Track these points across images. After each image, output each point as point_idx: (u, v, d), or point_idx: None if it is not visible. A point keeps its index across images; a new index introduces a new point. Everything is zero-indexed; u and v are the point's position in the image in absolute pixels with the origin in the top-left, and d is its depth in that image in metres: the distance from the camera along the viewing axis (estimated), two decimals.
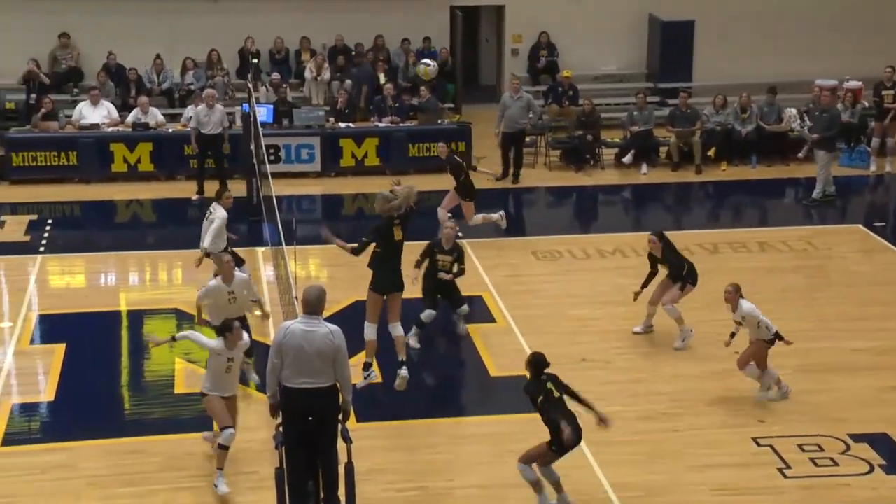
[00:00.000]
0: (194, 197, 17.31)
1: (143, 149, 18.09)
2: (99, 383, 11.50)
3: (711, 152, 19.16)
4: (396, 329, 11.05)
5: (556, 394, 9.08)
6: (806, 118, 19.05)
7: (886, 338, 12.46)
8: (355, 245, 11.06)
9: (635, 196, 18.15)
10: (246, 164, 16.84)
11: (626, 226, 16.66)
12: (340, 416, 8.67)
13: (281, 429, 8.61)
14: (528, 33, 22.15)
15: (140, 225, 17.09)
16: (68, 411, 10.89)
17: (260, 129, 16.34)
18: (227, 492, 9.30)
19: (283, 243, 13.27)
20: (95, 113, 18.39)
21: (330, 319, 8.77)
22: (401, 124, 19.10)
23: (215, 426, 9.69)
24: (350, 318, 11.50)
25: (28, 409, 10.89)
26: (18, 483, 9.54)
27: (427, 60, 15.85)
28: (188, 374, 11.66)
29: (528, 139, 18.97)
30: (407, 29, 21.62)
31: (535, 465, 9.11)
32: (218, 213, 12.55)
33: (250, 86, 17.35)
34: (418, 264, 12.34)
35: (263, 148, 16.29)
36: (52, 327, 12.73)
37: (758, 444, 10.27)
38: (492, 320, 13.02)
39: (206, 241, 12.42)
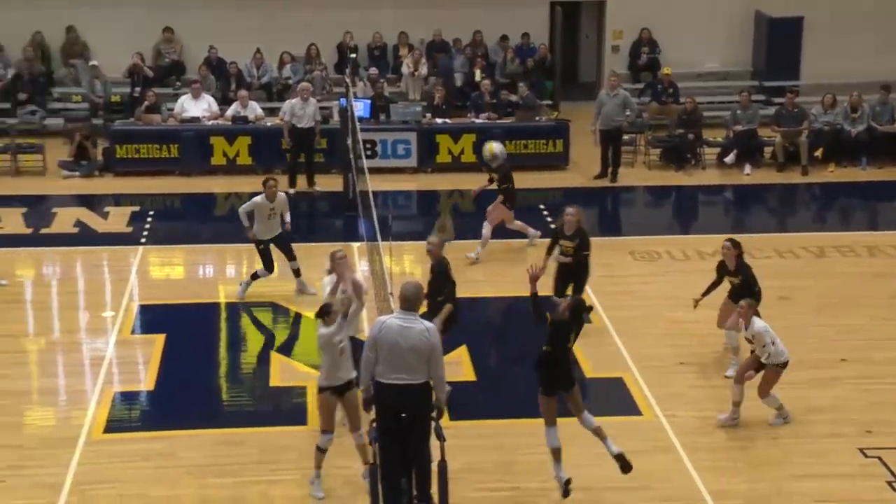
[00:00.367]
0: (290, 190, 17.59)
1: (241, 142, 18.45)
2: (197, 374, 11.77)
3: (819, 153, 18.81)
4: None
5: (572, 343, 9.22)
6: None
7: None
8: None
9: (737, 197, 17.92)
10: (342, 158, 17.06)
11: (727, 227, 16.40)
12: (434, 414, 8.75)
13: (374, 424, 8.72)
14: (630, 29, 22.01)
15: (238, 218, 17.33)
16: (167, 401, 11.17)
17: (357, 123, 16.54)
18: (321, 497, 9.39)
19: (379, 239, 13.44)
20: (196, 106, 18.81)
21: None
22: (498, 121, 19.15)
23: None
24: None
25: (129, 397, 11.20)
26: (121, 469, 9.82)
27: (496, 144, 15.05)
28: (284, 367, 11.88)
29: (626, 137, 18.86)
30: (506, 24, 21.66)
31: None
32: (255, 199, 13.07)
33: (348, 80, 17.59)
34: (549, 250, 12.58)
35: (360, 143, 16.46)
36: (152, 318, 13.06)
37: (865, 456, 10.06)
38: (587, 321, 12.97)
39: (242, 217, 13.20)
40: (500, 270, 14.24)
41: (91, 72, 20.03)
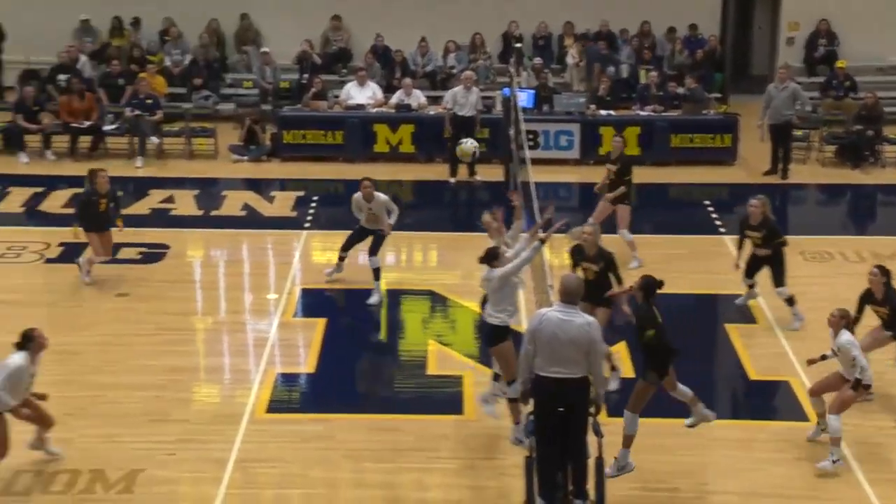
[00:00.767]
0: (452, 180, 17.74)
1: (404, 130, 18.69)
2: (356, 359, 12.01)
3: None
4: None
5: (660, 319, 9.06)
6: None
7: None
8: None
9: None
10: (504, 149, 17.09)
11: None
12: (592, 410, 8.70)
13: (532, 417, 8.72)
14: (806, 21, 21.35)
15: (399, 205, 17.61)
16: (327, 384, 11.41)
17: (520, 114, 16.53)
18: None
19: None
20: (362, 94, 19.14)
21: None
22: (664, 113, 18.85)
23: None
24: None
25: (290, 379, 11.50)
26: (282, 449, 10.09)
27: (469, 141, 14.39)
28: (441, 356, 11.98)
29: (799, 133, 18.29)
30: (675, 15, 21.31)
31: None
32: (354, 195, 13.30)
33: (512, 70, 17.60)
34: (738, 244, 12.54)
35: (523, 133, 16.46)
36: (314, 301, 13.36)
37: None
38: (752, 321, 12.69)
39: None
40: (667, 266, 14.04)
41: (262, 58, 20.62)
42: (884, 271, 10.64)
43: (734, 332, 12.34)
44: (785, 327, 12.38)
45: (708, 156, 18.42)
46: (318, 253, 15.12)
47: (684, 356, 11.90)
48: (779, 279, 12.41)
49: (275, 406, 10.92)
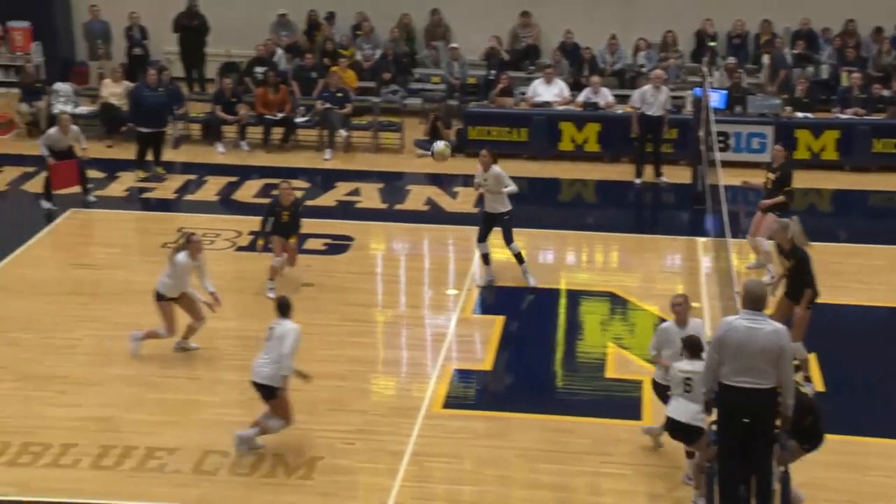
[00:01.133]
0: (637, 180, 17.56)
1: (590, 129, 18.59)
2: (533, 358, 12.02)
3: None
4: None
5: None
6: None
7: None
8: None
9: None
10: (693, 150, 16.79)
11: None
12: (779, 421, 8.47)
13: (714, 427, 8.56)
14: None
15: (582, 205, 17.62)
16: (503, 382, 11.51)
17: (711, 114, 16.21)
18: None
19: (727, 235, 13.14)
20: (548, 91, 19.14)
21: None
22: (865, 117, 18.13)
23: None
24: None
25: (467, 375, 11.62)
26: (457, 445, 10.23)
27: (440, 143, 14.18)
28: (619, 359, 11.89)
29: None
30: (883, 13, 20.43)
31: None
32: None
33: (705, 69, 17.27)
34: None
35: (713, 135, 16.15)
36: (492, 299, 13.45)
37: None
38: None
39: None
40: (867, 278, 13.56)
41: (450, 54, 20.85)
42: None
43: None
44: None
45: None
46: (498, 250, 15.15)
47: (876, 371, 11.51)
48: None
49: (451, 402, 11.06)
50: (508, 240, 13.56)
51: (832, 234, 14.05)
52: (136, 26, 21.02)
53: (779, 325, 8.40)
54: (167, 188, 16.96)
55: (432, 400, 11.05)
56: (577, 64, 20.67)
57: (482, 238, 13.65)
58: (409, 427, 10.48)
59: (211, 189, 16.99)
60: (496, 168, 13.39)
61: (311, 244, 14.55)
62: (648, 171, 17.62)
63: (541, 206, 17.20)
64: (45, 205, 15.82)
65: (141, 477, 9.67)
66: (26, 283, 13.46)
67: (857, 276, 13.73)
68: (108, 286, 13.41)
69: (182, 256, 11.46)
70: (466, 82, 20.58)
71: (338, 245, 14.68)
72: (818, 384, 10.98)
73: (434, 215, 16.15)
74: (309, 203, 16.31)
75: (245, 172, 17.69)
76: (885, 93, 18.53)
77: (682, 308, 9.82)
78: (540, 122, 18.67)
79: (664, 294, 13.51)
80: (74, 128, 16.17)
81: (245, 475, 9.73)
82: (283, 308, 10.08)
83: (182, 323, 11.75)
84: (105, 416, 10.58)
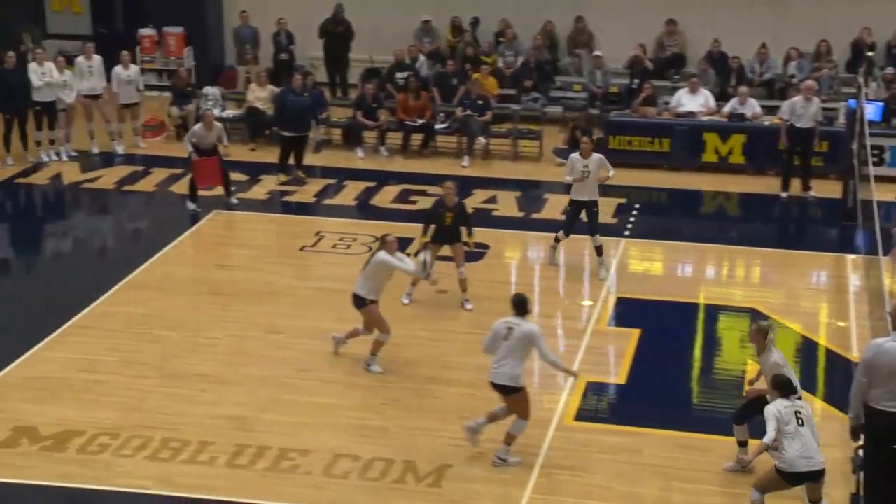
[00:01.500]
0: (783, 194, 17.16)
1: (735, 140, 18.25)
2: (669, 373, 11.86)
3: None
4: None
5: None
6: None
7: None
8: None
9: None
10: (845, 164, 16.32)
11: None
12: None
13: (861, 452, 8.30)
14: None
15: (724, 218, 17.30)
16: (637, 397, 11.37)
17: (866, 127, 15.74)
18: None
19: (879, 253, 12.74)
20: (693, 101, 18.86)
21: None
22: None
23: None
24: None
25: (600, 388, 11.53)
26: (588, 459, 10.17)
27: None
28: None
29: None
30: None
31: None
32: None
33: (861, 80, 16.75)
34: None
35: (868, 148, 15.66)
36: (628, 311, 13.32)
37: None
38: None
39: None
40: None
41: (593, 62, 20.74)
42: None
43: None
44: None
45: None
46: (635, 262, 15.06)
47: None
48: None
49: (583, 414, 11.01)
50: (594, 231, 13.95)
51: None
52: (283, 31, 21.54)
53: None
54: (307, 192, 17.32)
55: (564, 412, 11.01)
56: (723, 73, 20.30)
57: (568, 228, 14.12)
58: (540, 438, 10.46)
59: (349, 194, 17.28)
60: (597, 154, 13.90)
61: (445, 251, 14.61)
62: (795, 184, 17.19)
63: (681, 218, 16.98)
64: (190, 206, 16.35)
65: (273, 477, 9.90)
66: (171, 282, 13.93)
67: None
68: (246, 287, 13.78)
69: (380, 256, 11.49)
70: (608, 91, 20.43)
71: (473, 253, 14.72)
72: None
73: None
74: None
75: (383, 178, 17.94)
76: None
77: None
78: (683, 133, 18.41)
79: (808, 312, 13.27)
80: (218, 125, 16.68)
81: (374, 480, 9.86)
82: (522, 306, 10.07)
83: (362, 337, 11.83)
84: (241, 414, 10.86)
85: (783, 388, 8.87)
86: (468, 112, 19.02)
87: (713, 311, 13.28)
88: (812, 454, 8.58)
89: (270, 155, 18.29)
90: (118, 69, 18.89)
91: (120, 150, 18.97)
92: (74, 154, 18.64)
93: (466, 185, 17.62)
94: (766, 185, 17.70)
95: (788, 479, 8.73)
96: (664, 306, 13.42)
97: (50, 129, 18.42)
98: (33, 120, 18.21)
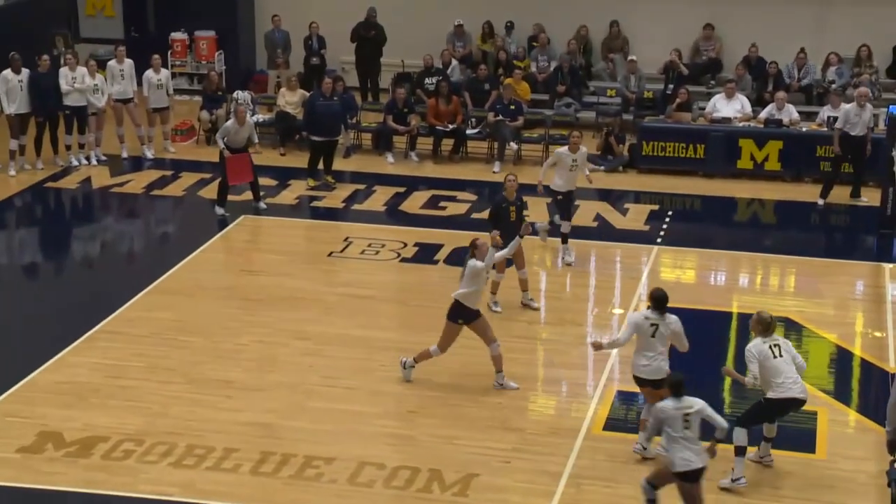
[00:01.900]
0: (821, 201, 17.03)
1: (772, 147, 18.12)
2: (696, 381, 11.69)
3: None
4: None
5: None
6: None
7: None
8: None
9: None
10: (884, 171, 16.17)
11: None
12: None
13: None
14: None
15: (759, 225, 17.18)
16: None
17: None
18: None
19: None
20: (729, 107, 18.74)
21: None
22: None
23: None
24: None
25: (629, 397, 11.47)
26: (617, 469, 10.15)
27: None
28: None
29: None
30: None
31: None
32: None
33: None
34: None
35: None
36: None
37: None
38: None
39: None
40: None
41: (628, 66, 20.67)
42: None
43: None
44: None
45: None
46: (667, 270, 14.99)
47: None
48: None
49: (612, 424, 10.97)
50: (569, 217, 14.64)
51: None
52: (314, 36, 21.63)
53: None
54: (336, 197, 17.38)
55: (593, 421, 10.98)
56: (761, 79, 20.17)
57: (563, 214, 14.63)
58: (568, 448, 10.44)
59: (379, 199, 17.32)
60: (583, 148, 14.62)
61: None
62: (835, 192, 17.03)
63: (715, 225, 16.88)
64: (219, 211, 16.44)
65: (298, 485, 9.93)
66: (198, 287, 14.02)
67: None
68: (274, 292, 13.83)
69: (473, 262, 11.37)
70: (643, 96, 20.36)
71: None
72: None
73: (602, 231, 16.03)
74: (475, 216, 16.43)
75: (413, 183, 17.97)
76: None
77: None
78: (718, 139, 18.30)
79: (844, 322, 13.15)
80: (250, 121, 16.77)
81: (400, 489, 9.87)
82: (662, 302, 10.16)
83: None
84: (266, 422, 10.91)
85: (672, 386, 9.05)
86: (500, 117, 19.01)
87: (746, 321, 13.11)
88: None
89: (300, 160, 18.37)
90: (149, 73, 19.03)
91: (149, 154, 19.11)
92: (104, 158, 18.81)
93: (497, 190, 17.57)
94: (803, 192, 17.58)
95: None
96: (696, 315, 13.31)
97: (80, 133, 18.59)
98: (64, 124, 18.39)
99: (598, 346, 11.01)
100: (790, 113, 18.44)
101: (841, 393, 11.66)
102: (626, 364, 12.15)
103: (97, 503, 9.81)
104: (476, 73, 20.68)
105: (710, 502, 9.52)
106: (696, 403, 9.05)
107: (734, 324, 13.22)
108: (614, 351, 12.35)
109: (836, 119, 17.89)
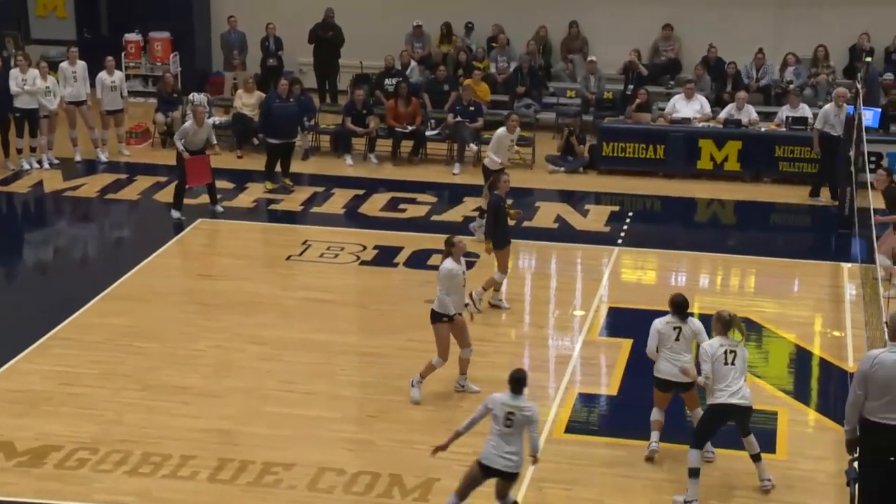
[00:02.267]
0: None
1: (731, 147, 18.26)
2: None
3: None
4: None
5: None
6: None
7: None
8: None
9: None
10: (842, 171, 16.33)
11: None
12: None
13: (856, 465, 8.31)
14: None
15: (719, 226, 17.30)
16: (629, 408, 11.31)
17: (863, 134, 15.77)
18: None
19: (876, 261, 12.76)
20: (688, 107, 18.87)
21: None
22: None
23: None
24: None
25: (591, 400, 11.52)
26: (579, 471, 10.15)
27: None
28: (753, 388, 11.49)
29: None
30: None
31: None
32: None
33: (859, 86, 16.77)
34: None
35: (865, 155, 15.69)
36: (621, 321, 13.30)
37: None
38: None
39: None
40: None
41: (587, 67, 20.75)
42: None
43: None
44: None
45: None
46: (628, 271, 15.06)
47: None
48: None
49: (573, 426, 10.99)
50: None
51: None
52: (271, 37, 21.54)
53: None
54: (294, 200, 17.30)
55: (554, 424, 10.98)
56: (719, 79, 20.33)
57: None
58: None
59: (337, 202, 17.26)
60: (519, 128, 15.61)
61: (435, 259, 14.58)
62: (795, 192, 17.22)
63: (676, 226, 16.99)
64: (175, 214, 16.32)
65: (256, 492, 9.85)
66: (154, 292, 13.90)
67: None
68: (231, 297, 13.74)
69: (448, 263, 11.14)
70: (603, 97, 20.45)
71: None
72: None
73: (563, 233, 16.07)
74: (435, 218, 16.43)
75: (372, 185, 17.93)
76: None
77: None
78: (678, 139, 18.41)
79: (803, 322, 13.26)
80: (208, 122, 16.67)
81: (360, 494, 9.82)
82: (683, 307, 10.24)
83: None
84: (224, 428, 10.82)
85: (511, 382, 9.06)
86: (459, 118, 19.02)
87: (708, 321, 13.17)
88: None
89: (257, 162, 18.28)
90: (102, 75, 18.87)
91: (103, 157, 18.94)
92: (57, 162, 18.61)
93: (457, 192, 17.63)
94: (762, 192, 17.74)
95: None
96: (657, 316, 13.30)
97: (32, 136, 18.39)
98: (15, 127, 18.17)
99: None
100: (749, 113, 18.59)
101: (800, 393, 11.75)
102: (587, 366, 12.23)
103: None
104: (435, 75, 20.68)
105: None
106: (529, 409, 8.92)
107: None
108: (575, 353, 12.41)
109: (794, 119, 18.11)
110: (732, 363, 9.55)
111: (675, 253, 15.44)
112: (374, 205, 17.14)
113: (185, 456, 10.31)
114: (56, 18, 23.45)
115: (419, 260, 14.73)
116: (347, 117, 19.24)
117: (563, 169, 18.69)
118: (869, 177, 14.94)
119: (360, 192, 17.61)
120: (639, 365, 12.08)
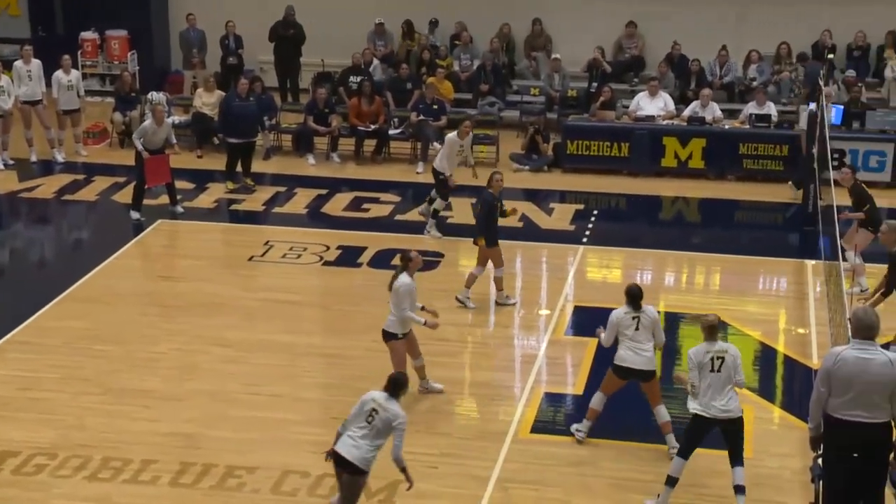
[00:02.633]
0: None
1: (695, 144, 18.38)
2: (628, 383, 11.87)
3: None
4: None
5: None
6: None
7: None
8: None
9: None
10: (805, 168, 16.50)
11: None
12: (893, 457, 8.31)
13: (820, 462, 8.40)
14: None
15: (684, 224, 17.43)
16: None
17: (826, 131, 15.93)
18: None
19: (840, 258, 12.89)
20: (652, 104, 18.99)
21: None
22: None
23: None
24: None
25: (557, 399, 11.57)
26: (545, 471, 10.19)
27: None
28: None
29: None
30: None
31: None
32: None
33: (821, 83, 16.94)
34: None
35: (828, 152, 15.85)
36: (587, 320, 13.29)
37: None
38: None
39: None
40: None
41: (551, 65, 20.83)
42: None
43: None
44: None
45: None
46: (594, 269, 15.14)
47: None
48: None
49: (539, 426, 11.03)
50: (445, 197, 15.77)
51: None
52: (231, 35, 21.45)
53: (892, 355, 8.20)
54: (256, 200, 17.25)
55: (520, 424, 11.02)
56: (683, 76, 20.47)
57: (445, 197, 15.72)
58: (496, 452, 10.48)
59: (300, 202, 17.23)
60: (470, 135, 15.96)
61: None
62: (762, 189, 17.38)
63: (641, 224, 17.09)
64: (134, 215, 16.23)
65: (219, 495, 9.83)
66: (113, 294, 13.82)
67: None
68: (192, 298, 13.69)
69: (405, 278, 11.06)
70: (567, 95, 20.52)
71: (427, 262, 14.72)
72: None
73: (528, 232, 16.12)
74: (399, 218, 16.44)
75: (335, 185, 17.91)
76: None
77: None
78: (642, 137, 18.52)
79: (768, 319, 13.38)
80: (168, 121, 16.59)
81: (324, 497, 9.81)
82: (637, 297, 10.44)
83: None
84: (186, 432, 10.78)
85: (390, 383, 8.87)
86: (423, 117, 19.03)
87: (673, 319, 13.34)
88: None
89: (218, 162, 18.21)
90: (58, 74, 18.72)
91: (60, 157, 18.80)
92: (12, 162, 18.45)
93: (421, 191, 17.60)
94: (726, 190, 17.88)
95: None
96: None
97: None
98: None
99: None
100: (713, 111, 18.74)
101: (766, 390, 11.86)
102: (554, 366, 12.29)
103: None
104: (398, 73, 20.68)
105: None
106: (397, 417, 8.76)
107: (661, 323, 13.29)
108: (541, 353, 12.47)
109: (758, 117, 18.28)
110: (718, 370, 9.45)
111: (640, 251, 15.55)
112: (337, 204, 17.12)
113: (147, 460, 10.26)
114: (9, 16, 23.23)
115: (383, 260, 14.73)
116: (309, 116, 19.20)
117: (527, 167, 18.75)
118: (832, 174, 15.11)
119: (323, 191, 17.59)
120: (605, 364, 12.09)
